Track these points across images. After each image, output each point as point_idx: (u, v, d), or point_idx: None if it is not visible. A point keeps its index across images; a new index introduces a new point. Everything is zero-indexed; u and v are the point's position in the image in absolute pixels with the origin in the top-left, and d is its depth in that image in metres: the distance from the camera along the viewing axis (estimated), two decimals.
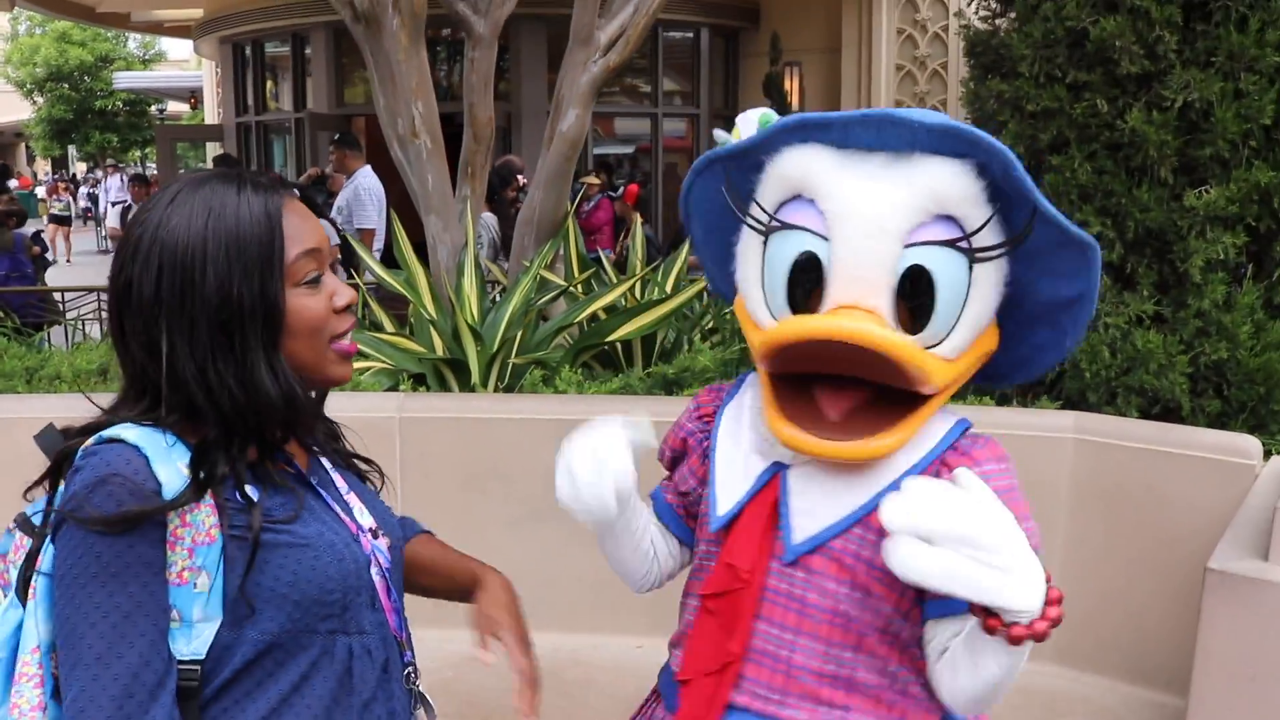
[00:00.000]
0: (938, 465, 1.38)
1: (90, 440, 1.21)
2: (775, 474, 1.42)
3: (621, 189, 9.20)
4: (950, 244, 1.33)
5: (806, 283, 1.37)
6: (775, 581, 1.40)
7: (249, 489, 1.23)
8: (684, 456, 1.60)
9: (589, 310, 4.51)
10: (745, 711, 1.40)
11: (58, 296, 7.69)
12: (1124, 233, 3.60)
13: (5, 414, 3.54)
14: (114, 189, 23.47)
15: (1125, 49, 3.51)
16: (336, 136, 8.50)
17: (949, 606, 1.33)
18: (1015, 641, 1.18)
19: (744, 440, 1.49)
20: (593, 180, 9.50)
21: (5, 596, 1.26)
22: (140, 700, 1.14)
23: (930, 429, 1.40)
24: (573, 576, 3.53)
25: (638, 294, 4.76)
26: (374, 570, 1.34)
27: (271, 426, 1.27)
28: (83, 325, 6.69)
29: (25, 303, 7.22)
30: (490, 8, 5.09)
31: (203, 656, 1.19)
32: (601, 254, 6.47)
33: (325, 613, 1.25)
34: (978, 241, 1.34)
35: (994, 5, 4.10)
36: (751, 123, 1.50)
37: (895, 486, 1.31)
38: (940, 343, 1.35)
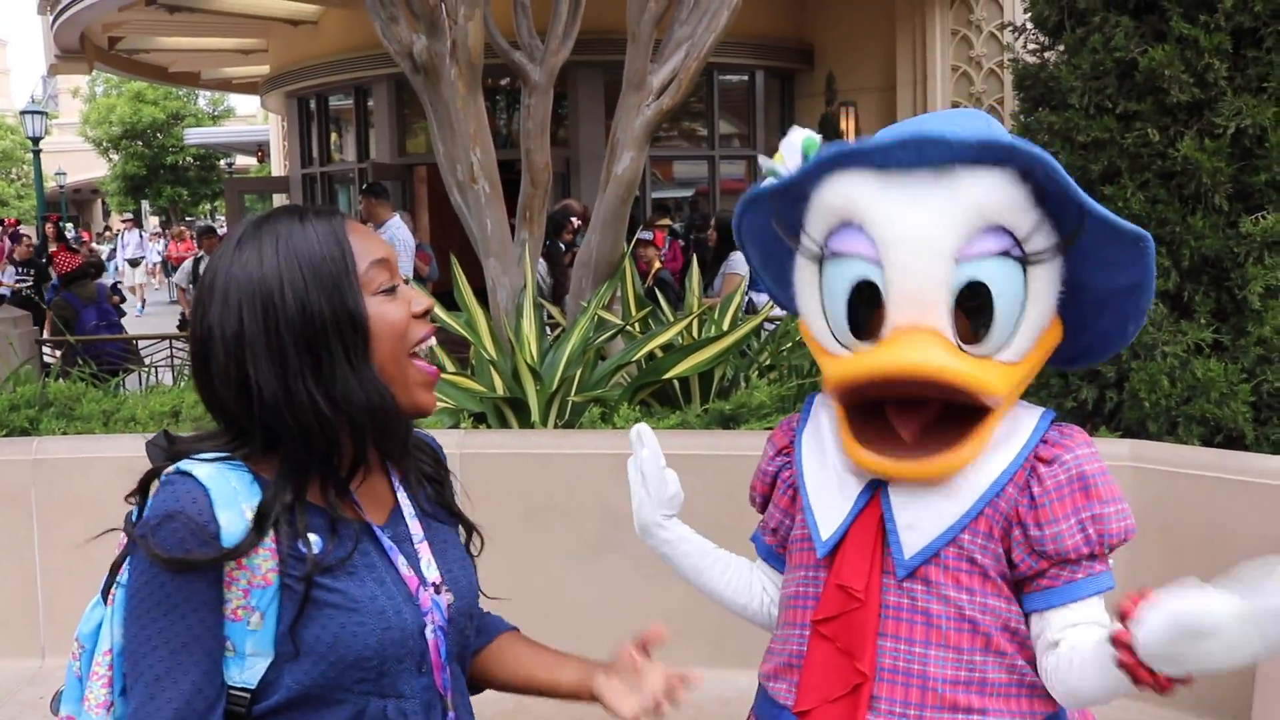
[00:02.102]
0: (1031, 461, 1.41)
1: (171, 467, 1.26)
2: (875, 492, 1.44)
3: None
4: (1003, 254, 1.35)
5: (865, 307, 1.39)
6: (895, 598, 1.41)
7: (312, 537, 1.25)
8: (770, 496, 1.64)
9: (647, 348, 4.57)
10: None
11: (150, 345, 7.97)
12: (1179, 261, 3.58)
13: (85, 454, 3.69)
14: (131, 244, 23.26)
15: (1175, 78, 3.52)
16: (364, 187, 8.61)
17: (1049, 599, 1.39)
18: (1161, 691, 1.22)
19: (831, 463, 1.50)
20: (664, 223, 9.66)
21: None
22: None
23: (1019, 425, 1.43)
24: (632, 608, 3.56)
25: (695, 332, 4.81)
26: (429, 628, 1.33)
27: (362, 439, 1.28)
28: (155, 371, 6.90)
29: (103, 350, 7.46)
30: (545, 56, 5.22)
31: (253, 686, 1.24)
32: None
33: (359, 675, 1.26)
34: (1029, 247, 1.35)
35: (1042, 38, 4.13)
36: (795, 148, 1.50)
37: (997, 490, 1.39)
38: (1002, 349, 1.38)
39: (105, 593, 1.31)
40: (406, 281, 1.36)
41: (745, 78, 13.10)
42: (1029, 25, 4.21)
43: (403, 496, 1.40)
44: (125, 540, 1.30)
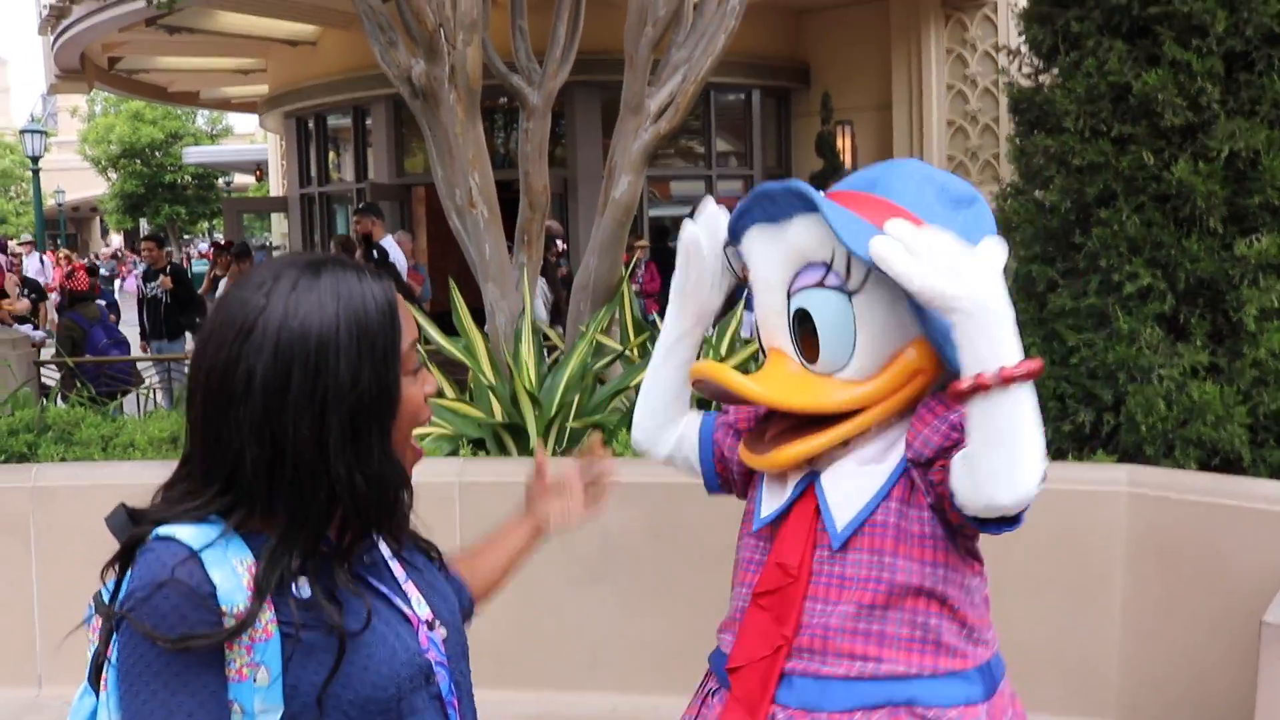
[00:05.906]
0: (909, 435, 1.57)
1: (150, 533, 1.19)
2: (811, 482, 1.63)
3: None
4: (820, 285, 1.56)
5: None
6: (823, 567, 1.60)
7: (312, 587, 1.22)
8: (737, 436, 1.79)
9: (645, 373, 4.56)
10: (790, 675, 1.59)
11: (141, 365, 7.94)
12: (1175, 284, 3.60)
13: (84, 481, 3.69)
14: (32, 270, 21.57)
15: (1168, 101, 3.54)
16: (361, 205, 8.64)
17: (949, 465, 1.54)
18: (985, 388, 1.32)
19: None
20: (641, 244, 9.65)
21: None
22: None
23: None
24: (630, 637, 3.56)
25: None
26: (433, 665, 1.32)
27: (387, 517, 1.27)
28: (154, 393, 6.90)
29: (100, 372, 7.45)
30: (544, 79, 5.24)
31: None
32: (656, 317, 6.55)
33: (382, 708, 1.24)
34: (850, 279, 1.54)
35: (1037, 62, 4.15)
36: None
37: (902, 466, 1.56)
38: (842, 368, 1.57)
39: (94, 680, 1.24)
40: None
41: (742, 96, 13.15)
42: (1024, 48, 4.24)
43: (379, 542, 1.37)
44: (99, 621, 1.23)
